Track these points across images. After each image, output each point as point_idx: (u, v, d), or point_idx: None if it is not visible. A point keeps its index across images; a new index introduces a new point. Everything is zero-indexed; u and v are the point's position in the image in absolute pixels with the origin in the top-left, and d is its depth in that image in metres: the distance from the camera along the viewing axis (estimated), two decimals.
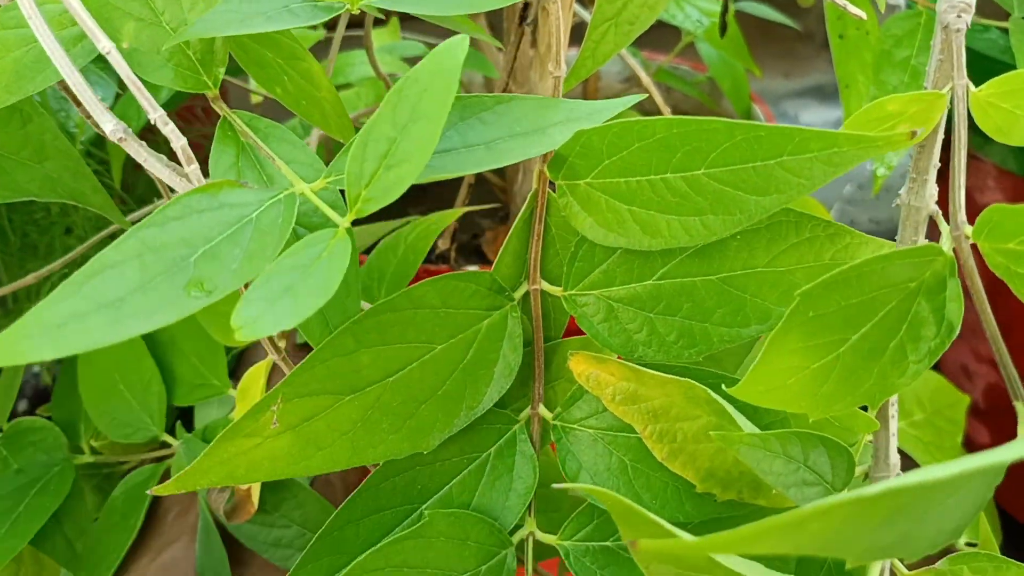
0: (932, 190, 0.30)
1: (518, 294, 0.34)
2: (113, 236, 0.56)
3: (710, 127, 0.28)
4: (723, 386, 0.29)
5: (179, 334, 0.45)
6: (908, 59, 0.50)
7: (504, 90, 0.49)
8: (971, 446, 0.71)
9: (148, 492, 0.39)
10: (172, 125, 0.30)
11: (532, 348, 0.35)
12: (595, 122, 0.31)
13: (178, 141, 0.30)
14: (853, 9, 0.36)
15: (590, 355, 0.33)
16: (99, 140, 0.58)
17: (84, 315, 0.25)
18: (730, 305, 0.32)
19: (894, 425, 0.32)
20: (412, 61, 0.68)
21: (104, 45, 0.28)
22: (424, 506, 0.34)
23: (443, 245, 0.60)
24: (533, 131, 0.31)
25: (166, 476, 0.45)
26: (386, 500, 0.34)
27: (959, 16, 0.28)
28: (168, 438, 0.46)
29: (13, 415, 0.48)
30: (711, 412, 0.31)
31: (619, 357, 0.33)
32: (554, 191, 0.33)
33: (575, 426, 0.34)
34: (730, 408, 0.29)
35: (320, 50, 0.57)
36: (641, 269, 0.32)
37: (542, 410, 0.35)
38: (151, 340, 0.46)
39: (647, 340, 0.33)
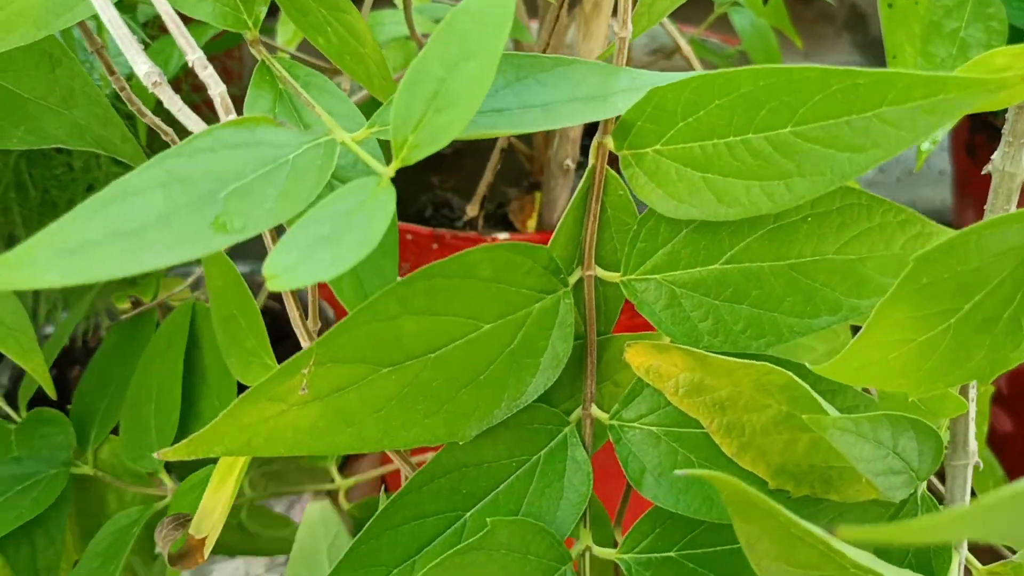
0: None
1: (572, 279, 0.31)
2: None
3: (801, 76, 0.25)
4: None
5: (210, 365, 0.43)
6: (957, 31, 0.48)
7: (544, 50, 0.48)
8: (993, 434, 0.69)
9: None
10: (211, 69, 0.28)
11: (583, 342, 0.32)
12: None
13: (217, 88, 0.28)
14: None
15: (650, 344, 0.30)
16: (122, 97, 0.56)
17: (99, 242, 0.22)
18: (799, 294, 0.29)
19: (973, 409, 0.30)
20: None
21: None
22: (468, 514, 0.31)
23: (472, 212, 0.57)
24: (593, 97, 0.29)
25: (153, 519, 0.42)
26: (429, 505, 0.31)
27: None
28: (165, 477, 0.43)
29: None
30: (783, 400, 0.28)
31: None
32: (611, 166, 0.30)
33: (635, 425, 0.31)
34: (814, 394, 0.26)
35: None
36: (708, 251, 0.30)
37: (595, 411, 0.31)
38: (187, 364, 0.43)
39: (713, 329, 0.30)
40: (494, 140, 0.55)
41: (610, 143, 0.29)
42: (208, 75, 0.28)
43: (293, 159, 0.26)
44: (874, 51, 1.16)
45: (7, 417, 0.46)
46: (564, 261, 0.31)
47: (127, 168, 0.45)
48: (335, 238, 0.24)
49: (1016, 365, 0.28)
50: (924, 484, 0.30)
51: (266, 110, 0.30)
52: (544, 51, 0.48)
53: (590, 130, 0.63)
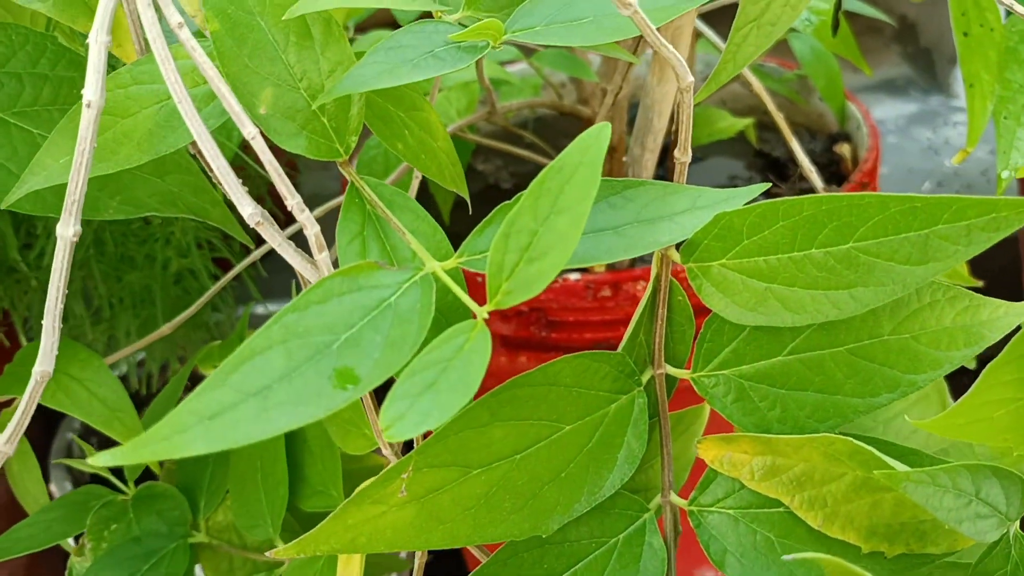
0: None
1: (644, 378, 0.33)
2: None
3: (862, 202, 0.27)
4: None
5: (311, 431, 0.44)
6: None
7: (617, 95, 0.49)
8: None
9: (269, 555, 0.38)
10: (308, 212, 0.30)
11: (660, 433, 0.34)
12: (720, 209, 0.30)
13: (312, 228, 0.30)
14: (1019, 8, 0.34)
15: (717, 438, 0.32)
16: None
17: (233, 406, 0.24)
18: (859, 376, 0.31)
19: None
20: (507, 63, 0.67)
21: (249, 131, 0.28)
22: None
23: None
24: (660, 218, 0.31)
25: None
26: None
27: None
28: (280, 543, 0.44)
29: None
30: (857, 465, 0.30)
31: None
32: (673, 275, 0.32)
33: (713, 509, 0.33)
34: (882, 455, 0.28)
35: None
36: (770, 345, 0.32)
37: (674, 498, 0.34)
38: (290, 431, 0.45)
39: (781, 417, 0.32)
40: None
41: (675, 256, 0.31)
42: (305, 217, 0.30)
43: (395, 301, 0.28)
44: (923, 62, 1.15)
45: (113, 486, 0.48)
46: (636, 361, 0.33)
47: (202, 222, 0.47)
48: (437, 386, 0.26)
49: None
50: (1016, 524, 0.31)
51: (355, 233, 0.32)
52: (617, 95, 0.48)
53: (662, 161, 0.64)
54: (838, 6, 0.54)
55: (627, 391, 0.32)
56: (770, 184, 0.33)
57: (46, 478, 0.60)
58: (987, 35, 0.49)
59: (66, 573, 0.44)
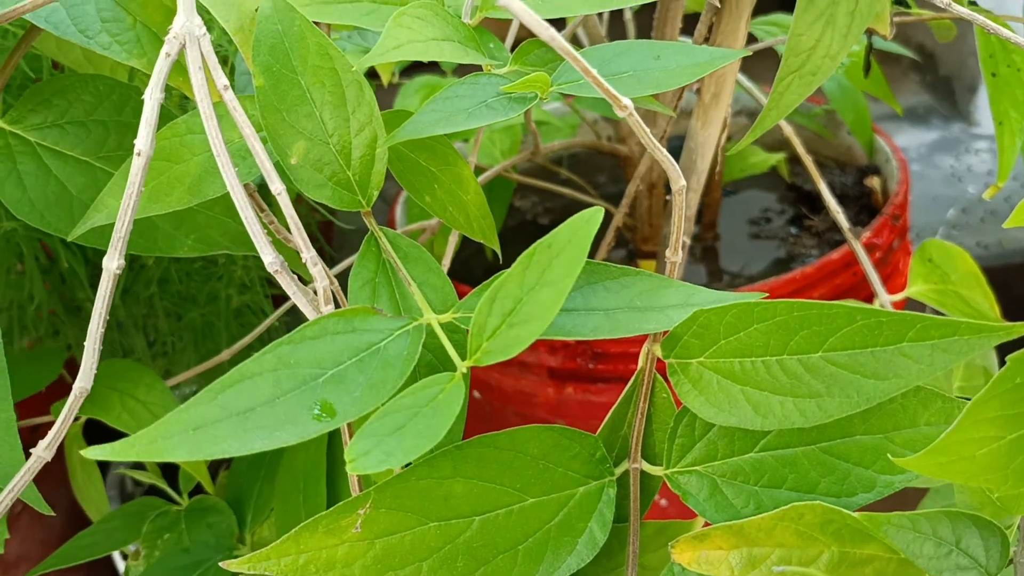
0: None
1: (619, 470, 0.34)
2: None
3: (831, 311, 0.28)
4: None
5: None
6: None
7: (661, 138, 0.50)
8: None
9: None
10: (320, 266, 0.32)
11: (626, 527, 0.34)
12: (710, 305, 0.31)
13: (322, 282, 0.32)
14: None
15: (690, 537, 0.32)
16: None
17: (216, 421, 0.27)
18: (834, 475, 0.32)
19: None
20: (546, 103, 0.70)
21: (276, 187, 0.31)
22: None
23: None
24: (651, 308, 0.32)
25: None
26: None
27: None
28: None
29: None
30: (830, 539, 0.30)
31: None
32: (660, 372, 0.33)
33: None
34: (851, 513, 0.29)
35: None
36: (743, 442, 0.32)
37: None
38: (331, 453, 0.46)
39: (755, 514, 0.32)
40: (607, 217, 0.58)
41: (658, 351, 0.32)
42: (317, 271, 0.32)
43: (384, 346, 0.30)
44: (942, 91, 1.14)
45: (168, 498, 0.50)
46: (610, 451, 0.34)
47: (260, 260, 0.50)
48: (405, 430, 0.28)
49: None
50: None
51: (368, 279, 0.34)
52: (662, 137, 0.50)
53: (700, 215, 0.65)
54: (869, 48, 0.55)
55: (598, 478, 0.33)
56: (767, 294, 0.34)
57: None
58: (1014, 75, 0.50)
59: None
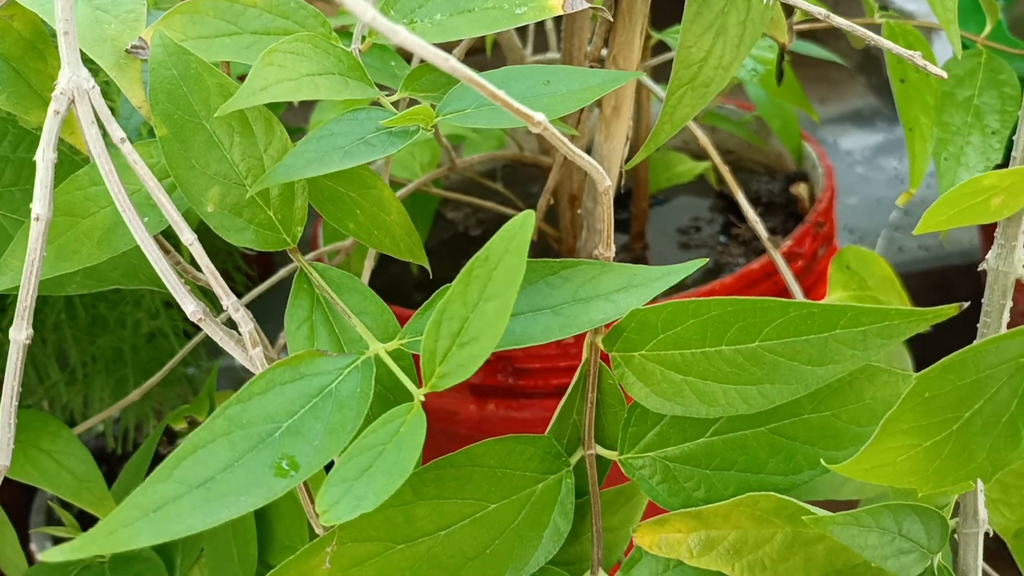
0: (1020, 255, 0.31)
1: (574, 459, 0.35)
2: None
3: (764, 306, 0.30)
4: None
5: None
6: (971, 99, 0.50)
7: (588, 141, 0.50)
8: None
9: None
10: (243, 312, 0.31)
11: (589, 510, 0.35)
12: (658, 288, 0.32)
13: (246, 327, 0.31)
14: (934, 69, 0.35)
15: (651, 522, 0.33)
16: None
17: (176, 498, 0.26)
18: (782, 454, 0.33)
19: (980, 483, 0.33)
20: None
21: (187, 237, 0.29)
22: None
23: None
24: (597, 296, 0.33)
25: None
26: None
27: None
28: None
29: None
30: (784, 522, 0.32)
31: None
32: (605, 360, 0.34)
33: None
34: (806, 505, 0.30)
35: None
36: (694, 428, 0.33)
37: (602, 574, 0.35)
38: None
39: (706, 497, 0.33)
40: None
41: (601, 344, 0.33)
42: (240, 316, 0.31)
43: (335, 387, 0.30)
44: (888, 93, 1.13)
45: None
46: (564, 443, 0.35)
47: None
48: (372, 470, 0.28)
49: (1016, 463, 0.30)
50: (939, 555, 0.33)
51: (304, 318, 0.34)
52: (584, 145, 0.50)
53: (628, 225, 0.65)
54: (781, 57, 0.56)
55: (555, 471, 0.34)
56: (706, 260, 0.34)
57: (28, 540, 0.61)
58: (923, 80, 0.51)
59: None
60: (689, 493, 0.34)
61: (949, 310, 0.28)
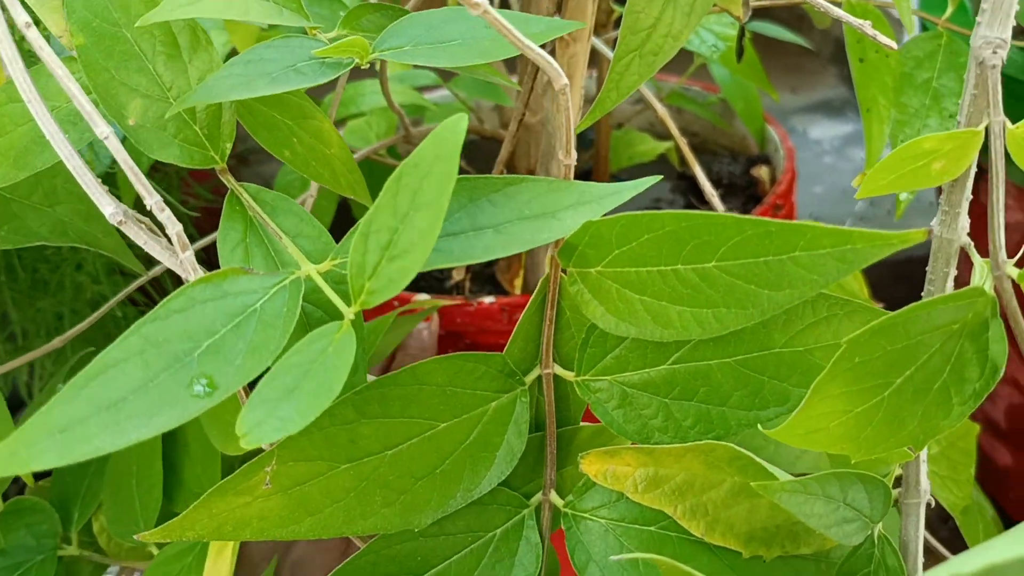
0: (964, 223, 0.30)
1: (529, 378, 0.33)
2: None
3: (719, 221, 0.28)
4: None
5: (191, 433, 0.44)
6: (929, 81, 0.49)
7: (520, 120, 0.49)
8: (991, 467, 0.71)
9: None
10: (168, 212, 0.30)
11: (545, 432, 0.34)
12: (608, 205, 0.30)
13: (173, 228, 0.30)
14: (883, 39, 0.34)
15: (601, 451, 0.32)
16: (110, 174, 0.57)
17: (85, 419, 0.25)
18: (747, 388, 0.31)
19: (924, 451, 0.32)
20: (424, 90, 0.68)
21: (102, 130, 0.28)
22: None
23: (458, 276, 0.59)
24: (543, 214, 0.31)
25: None
26: (384, 568, 0.33)
27: (995, 52, 0.27)
28: (155, 549, 0.44)
29: None
30: (735, 472, 0.31)
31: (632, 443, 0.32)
32: (566, 275, 0.33)
33: (587, 515, 0.33)
34: (762, 461, 0.29)
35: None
36: (655, 354, 0.32)
37: (553, 497, 0.34)
38: (168, 435, 0.44)
39: (663, 426, 0.32)
40: None
41: (559, 258, 0.31)
42: (166, 216, 0.30)
43: (261, 306, 0.28)
44: None
45: None
46: (522, 361, 0.33)
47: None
48: (299, 390, 0.26)
49: (948, 431, 0.30)
50: (879, 525, 0.32)
51: (237, 241, 0.32)
52: (521, 120, 0.48)
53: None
54: (741, 33, 0.54)
55: (509, 390, 0.33)
56: (661, 176, 0.33)
57: None
58: (882, 61, 0.50)
59: None
60: (646, 420, 0.32)
61: (917, 235, 0.26)
